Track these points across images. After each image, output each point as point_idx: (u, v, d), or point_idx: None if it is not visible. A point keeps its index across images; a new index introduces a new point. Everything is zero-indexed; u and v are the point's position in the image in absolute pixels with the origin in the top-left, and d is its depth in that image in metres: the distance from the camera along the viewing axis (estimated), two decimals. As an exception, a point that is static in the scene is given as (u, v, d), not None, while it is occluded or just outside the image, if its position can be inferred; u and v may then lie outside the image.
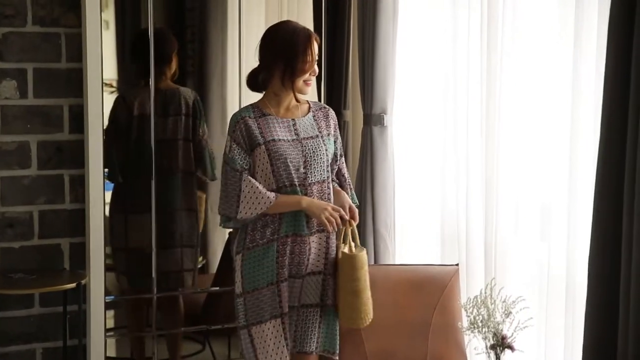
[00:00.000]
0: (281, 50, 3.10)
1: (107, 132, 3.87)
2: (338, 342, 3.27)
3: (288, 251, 3.12)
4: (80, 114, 3.83)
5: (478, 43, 3.65)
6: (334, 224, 3.12)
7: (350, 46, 4.21)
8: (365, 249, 3.26)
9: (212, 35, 4.29)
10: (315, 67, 3.16)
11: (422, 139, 4.03)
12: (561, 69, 3.35)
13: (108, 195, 3.91)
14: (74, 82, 3.82)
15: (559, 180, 3.39)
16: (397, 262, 4.02)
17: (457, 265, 3.65)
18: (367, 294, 3.21)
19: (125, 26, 4.14)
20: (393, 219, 4.01)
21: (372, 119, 3.96)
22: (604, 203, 2.93)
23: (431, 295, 3.55)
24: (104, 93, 3.83)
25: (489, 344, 3.29)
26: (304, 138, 3.17)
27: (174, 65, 4.05)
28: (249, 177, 3.10)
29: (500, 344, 3.26)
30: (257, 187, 3.08)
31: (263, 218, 3.12)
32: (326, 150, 3.20)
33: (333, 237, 3.21)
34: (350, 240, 3.21)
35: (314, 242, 3.18)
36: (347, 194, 3.29)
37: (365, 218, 3.94)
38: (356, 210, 3.25)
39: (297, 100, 3.21)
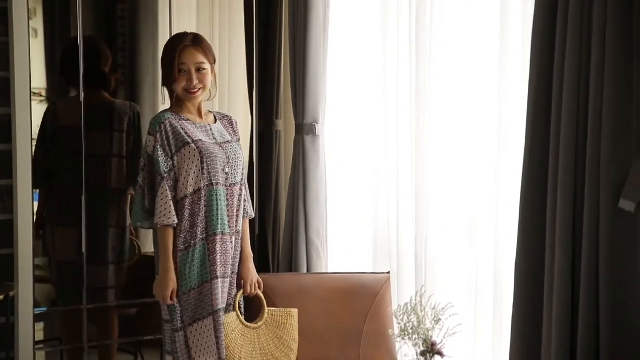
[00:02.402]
0: (161, 60, 3.26)
1: (36, 140, 3.82)
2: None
3: (218, 249, 3.19)
4: (7, 123, 3.76)
5: (407, 54, 3.71)
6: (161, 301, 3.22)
7: (282, 56, 4.23)
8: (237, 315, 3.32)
9: (143, 44, 4.26)
10: (196, 76, 3.19)
11: (354, 149, 4.08)
12: (488, 82, 3.44)
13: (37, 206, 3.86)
14: (1, 91, 3.76)
15: (487, 190, 3.46)
16: (329, 271, 4.04)
17: (388, 273, 3.69)
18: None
19: (55, 35, 4.07)
20: (325, 228, 4.03)
21: (304, 129, 3.98)
22: (529, 211, 3.01)
23: (363, 303, 3.59)
24: (33, 102, 3.77)
25: (419, 351, 3.34)
26: (222, 142, 3.26)
27: (110, 77, 3.99)
28: (167, 187, 3.15)
29: (430, 350, 3.32)
30: (169, 203, 3.14)
31: (190, 219, 3.17)
32: (241, 154, 3.31)
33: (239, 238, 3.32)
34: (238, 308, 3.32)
35: (232, 243, 3.26)
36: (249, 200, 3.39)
37: (298, 227, 3.97)
38: (255, 285, 3.37)
39: (190, 111, 3.26)
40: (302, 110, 3.97)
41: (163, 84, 3.27)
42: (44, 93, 3.97)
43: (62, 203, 3.95)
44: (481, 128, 3.49)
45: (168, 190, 3.14)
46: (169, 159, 3.16)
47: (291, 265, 4.01)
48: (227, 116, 3.42)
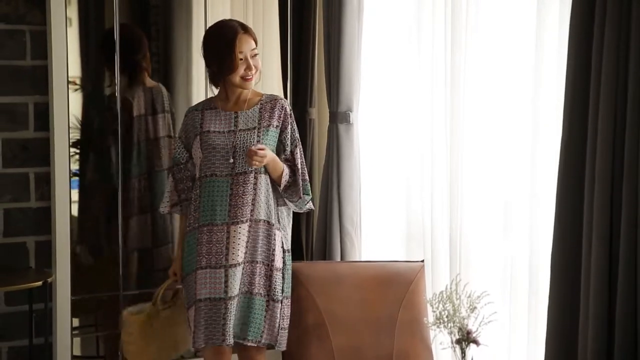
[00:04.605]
0: (210, 50, 3.26)
1: (113, 133, 3.92)
2: (261, 331, 3.29)
3: (205, 240, 3.24)
4: (45, 111, 3.80)
5: (442, 42, 3.70)
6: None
7: (316, 44, 4.23)
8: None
9: (177, 32, 4.27)
10: (252, 62, 3.22)
11: (388, 136, 4.07)
12: (523, 68, 3.41)
13: (74, 194, 3.89)
14: (39, 80, 3.79)
15: (522, 177, 3.45)
16: (363, 259, 4.05)
17: (422, 261, 3.69)
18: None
19: (89, 24, 4.10)
20: (359, 216, 4.04)
21: (338, 117, 3.98)
22: (565, 199, 2.99)
23: (397, 291, 3.59)
24: (69, 91, 3.81)
25: (454, 339, 3.34)
26: (240, 130, 3.26)
27: (149, 61, 4.04)
28: (172, 177, 3.35)
29: (466, 338, 3.31)
30: (170, 192, 3.37)
31: (194, 203, 3.29)
32: (258, 142, 3.26)
33: (276, 229, 3.29)
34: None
35: (243, 230, 3.22)
36: (298, 184, 3.33)
37: (332, 214, 3.97)
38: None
39: (227, 98, 3.30)
40: (337, 98, 3.97)
41: (219, 77, 3.26)
42: (78, 81, 4.00)
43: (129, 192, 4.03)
44: (517, 114, 3.46)
45: (173, 181, 3.35)
46: (184, 150, 3.34)
47: (325, 254, 4.02)
48: (274, 99, 3.35)
